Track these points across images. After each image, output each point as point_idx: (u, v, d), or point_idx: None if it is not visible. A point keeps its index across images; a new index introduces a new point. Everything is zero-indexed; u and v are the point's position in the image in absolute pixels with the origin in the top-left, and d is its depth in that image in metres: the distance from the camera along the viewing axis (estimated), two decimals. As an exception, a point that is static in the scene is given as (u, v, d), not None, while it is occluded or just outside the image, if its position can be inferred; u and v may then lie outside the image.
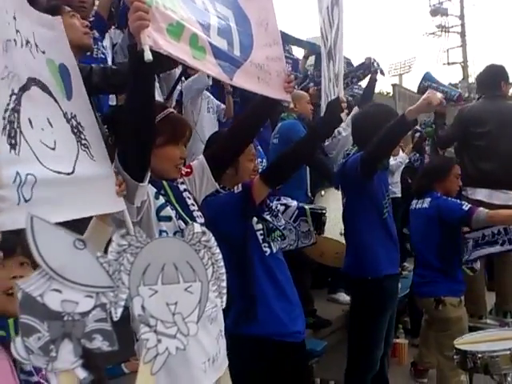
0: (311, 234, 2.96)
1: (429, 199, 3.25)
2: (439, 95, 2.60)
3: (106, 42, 3.68)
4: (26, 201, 1.17)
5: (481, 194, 4.08)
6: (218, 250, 1.10)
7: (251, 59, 1.79)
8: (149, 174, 1.56)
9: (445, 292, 3.16)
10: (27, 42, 1.34)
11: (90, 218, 1.48)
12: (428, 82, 4.64)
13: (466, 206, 3.07)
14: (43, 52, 1.40)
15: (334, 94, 2.12)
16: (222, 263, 1.10)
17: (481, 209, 3.07)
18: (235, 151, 2.02)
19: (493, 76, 4.32)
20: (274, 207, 2.29)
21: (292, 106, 2.23)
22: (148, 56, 1.32)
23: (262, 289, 2.10)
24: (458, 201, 3.19)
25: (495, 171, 4.08)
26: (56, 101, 1.41)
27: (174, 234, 1.64)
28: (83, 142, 1.46)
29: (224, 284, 1.10)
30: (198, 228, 1.07)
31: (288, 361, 2.15)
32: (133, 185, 1.50)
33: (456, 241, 3.26)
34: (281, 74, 1.92)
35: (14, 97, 1.24)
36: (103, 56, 3.37)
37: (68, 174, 1.33)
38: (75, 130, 1.45)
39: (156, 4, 1.42)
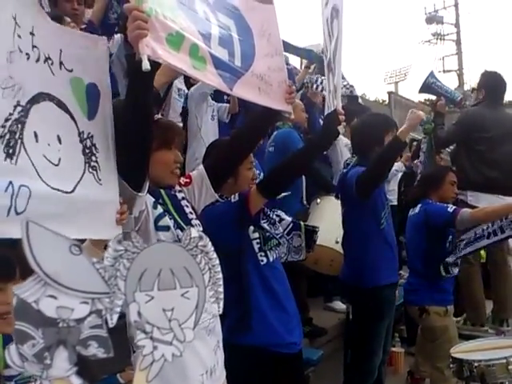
0: (302, 250, 2.97)
1: (420, 205, 3.27)
2: (422, 113, 2.68)
3: None
4: (17, 213, 1.16)
5: (485, 201, 4.10)
6: (214, 255, 1.09)
7: (252, 70, 1.79)
8: (147, 183, 1.56)
9: (429, 301, 3.16)
10: (47, 59, 1.34)
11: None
12: (434, 79, 4.70)
13: (451, 208, 3.10)
14: (70, 70, 1.41)
15: (334, 106, 2.13)
16: (219, 268, 1.10)
17: (464, 209, 3.09)
18: (235, 162, 2.02)
19: (497, 84, 4.40)
20: (271, 215, 2.29)
21: (293, 116, 2.23)
22: (146, 66, 1.31)
23: (257, 298, 2.09)
24: (445, 204, 3.20)
25: (498, 177, 4.15)
26: (73, 118, 1.41)
27: None
28: (93, 164, 1.44)
29: (221, 289, 1.09)
30: (194, 233, 1.06)
31: (284, 372, 2.14)
32: (131, 195, 1.49)
33: (442, 248, 3.25)
34: (282, 85, 1.92)
35: (19, 108, 1.24)
36: None
37: (66, 192, 1.32)
38: (87, 151, 1.44)
39: (155, 13, 1.41)
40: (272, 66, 1.89)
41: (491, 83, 4.40)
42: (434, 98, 4.93)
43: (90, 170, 1.43)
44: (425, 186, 3.38)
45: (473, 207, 4.07)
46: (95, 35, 1.55)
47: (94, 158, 1.44)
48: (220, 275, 1.09)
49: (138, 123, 1.46)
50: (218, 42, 1.66)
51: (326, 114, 2.20)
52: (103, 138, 1.48)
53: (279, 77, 1.92)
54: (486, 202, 4.10)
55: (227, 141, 2.14)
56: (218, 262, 1.09)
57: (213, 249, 1.09)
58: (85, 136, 1.43)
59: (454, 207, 3.11)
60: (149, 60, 1.33)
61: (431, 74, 4.90)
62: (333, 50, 2.15)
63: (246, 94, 1.76)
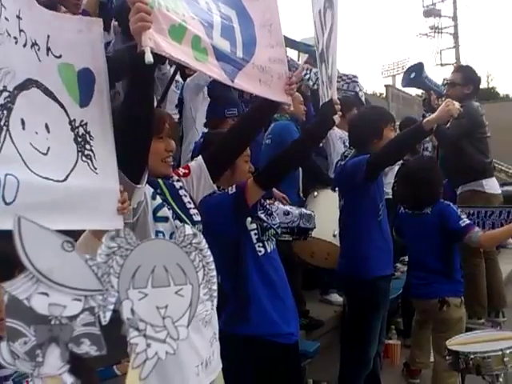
0: (312, 219, 2.99)
1: (429, 208, 3.20)
2: (457, 105, 2.63)
3: None
4: (6, 203, 1.13)
5: (495, 186, 4.27)
6: (209, 253, 1.08)
7: (253, 61, 1.78)
8: (146, 175, 1.55)
9: (448, 293, 3.17)
10: (34, 44, 1.30)
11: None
12: (426, 73, 4.75)
13: (463, 222, 3.07)
14: (58, 56, 1.37)
15: (328, 96, 2.11)
16: (213, 266, 1.09)
17: (476, 230, 3.07)
18: (234, 153, 2.02)
19: (479, 80, 4.57)
20: (268, 206, 2.28)
21: (292, 108, 2.23)
22: (149, 58, 1.29)
23: (254, 289, 2.10)
24: (459, 211, 3.18)
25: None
26: (62, 106, 1.37)
27: (171, 234, 1.63)
28: (86, 152, 1.40)
29: (215, 287, 1.08)
30: (189, 230, 1.05)
31: (280, 362, 2.14)
32: (130, 186, 1.48)
33: (456, 242, 3.26)
34: (282, 77, 1.92)
35: (6, 93, 1.21)
36: None
37: (58, 181, 1.29)
38: (79, 139, 1.40)
39: (158, 6, 1.39)
40: (273, 57, 1.89)
41: (477, 79, 4.54)
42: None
43: (84, 158, 1.39)
44: (433, 188, 3.29)
45: (490, 195, 4.13)
46: (89, 17, 1.51)
47: (87, 147, 1.40)
48: (214, 273, 1.08)
49: (139, 115, 1.44)
50: (220, 34, 1.65)
51: (321, 103, 2.19)
52: (99, 124, 1.44)
53: (280, 68, 1.91)
54: (496, 186, 4.30)
55: (225, 132, 2.13)
56: (212, 259, 1.08)
57: (207, 246, 1.08)
58: (77, 124, 1.39)
59: (466, 221, 3.08)
60: (151, 52, 1.31)
61: (423, 68, 4.92)
62: (326, 41, 2.13)
63: (247, 85, 1.76)
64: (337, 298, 4.32)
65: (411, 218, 3.32)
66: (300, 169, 4.05)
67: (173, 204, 1.70)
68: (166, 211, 1.66)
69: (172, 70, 3.81)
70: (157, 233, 1.62)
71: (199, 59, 1.54)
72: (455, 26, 26.42)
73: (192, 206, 1.78)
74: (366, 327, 2.85)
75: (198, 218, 1.76)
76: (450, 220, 3.13)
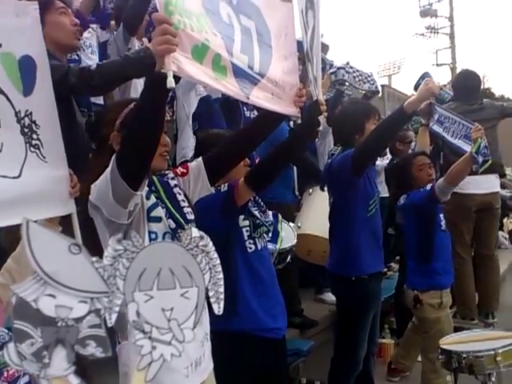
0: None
1: (404, 195, 3.32)
2: (436, 85, 2.62)
3: (92, 41, 3.64)
4: None
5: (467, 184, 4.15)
6: (215, 255, 1.09)
7: (268, 75, 1.78)
8: (145, 183, 1.55)
9: (421, 286, 3.22)
10: None
11: None
12: (422, 80, 4.74)
13: (429, 186, 3.17)
14: None
15: (316, 95, 2.12)
16: (220, 268, 1.09)
17: (439, 181, 3.13)
18: (237, 159, 2.01)
19: (467, 83, 4.56)
20: (261, 202, 2.29)
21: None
22: (171, 83, 1.28)
23: (242, 285, 2.12)
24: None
25: None
26: (8, 99, 1.34)
27: (164, 235, 1.63)
28: (34, 142, 1.39)
29: (221, 289, 1.09)
30: (195, 232, 1.05)
31: (267, 356, 2.16)
32: (128, 193, 1.48)
33: (433, 232, 3.29)
34: (293, 88, 1.91)
35: None
36: (76, 58, 3.26)
37: (14, 177, 1.28)
38: (26, 130, 1.38)
39: (184, 26, 1.38)
40: (285, 69, 1.88)
41: (461, 82, 4.57)
42: None
43: (32, 149, 1.38)
44: (397, 183, 3.39)
45: (460, 196, 4.09)
46: (24, 1, 1.46)
47: (34, 136, 1.39)
48: (221, 275, 1.09)
49: (147, 129, 1.43)
50: (240, 49, 1.64)
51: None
52: (44, 112, 1.42)
53: (291, 80, 1.90)
54: (469, 185, 4.17)
55: (230, 137, 2.12)
56: (218, 261, 1.09)
57: (213, 249, 1.08)
58: (22, 115, 1.37)
59: (431, 184, 3.17)
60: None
61: (423, 76, 4.98)
62: (309, 41, 2.13)
63: (261, 100, 1.74)
64: (331, 297, 4.33)
65: (397, 208, 3.43)
66: (295, 167, 4.06)
67: (166, 202, 1.69)
68: (159, 211, 1.65)
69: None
70: (150, 233, 1.61)
71: (218, 78, 1.53)
72: (451, 27, 26.55)
73: (186, 204, 1.77)
74: (353, 327, 2.84)
75: (191, 216, 1.75)
76: (418, 196, 3.20)
